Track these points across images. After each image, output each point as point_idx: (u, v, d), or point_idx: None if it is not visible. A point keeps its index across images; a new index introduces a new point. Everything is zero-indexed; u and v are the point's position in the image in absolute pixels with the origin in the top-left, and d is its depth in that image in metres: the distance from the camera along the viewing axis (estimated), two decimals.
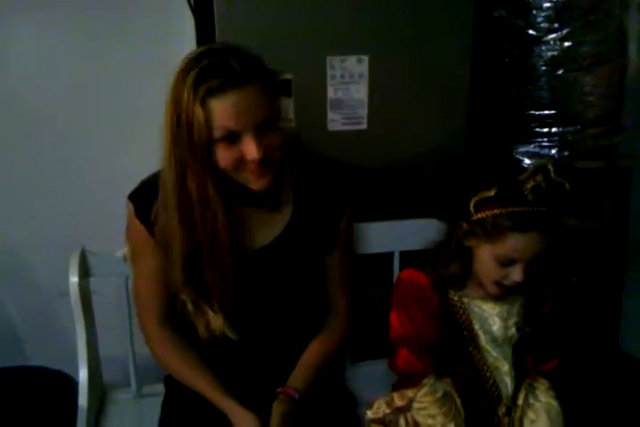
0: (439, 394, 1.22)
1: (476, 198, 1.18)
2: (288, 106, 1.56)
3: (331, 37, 1.55)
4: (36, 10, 1.68)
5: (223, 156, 1.11)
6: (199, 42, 1.63)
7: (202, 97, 1.06)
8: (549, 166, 1.14)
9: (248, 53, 1.13)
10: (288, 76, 1.55)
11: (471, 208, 1.19)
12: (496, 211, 1.16)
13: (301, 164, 1.30)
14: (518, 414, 1.25)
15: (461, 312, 1.26)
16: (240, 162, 1.12)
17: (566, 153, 1.83)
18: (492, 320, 1.25)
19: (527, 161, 1.85)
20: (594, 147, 1.84)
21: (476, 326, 1.25)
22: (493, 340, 1.25)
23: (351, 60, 1.57)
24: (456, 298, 1.27)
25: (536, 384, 1.26)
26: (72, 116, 1.74)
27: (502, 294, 1.23)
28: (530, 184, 1.13)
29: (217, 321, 1.21)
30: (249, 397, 1.22)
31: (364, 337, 1.50)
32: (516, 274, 1.17)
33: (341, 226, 1.32)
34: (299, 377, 1.27)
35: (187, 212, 1.14)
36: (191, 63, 1.09)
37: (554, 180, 1.14)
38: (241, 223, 1.23)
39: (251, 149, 1.10)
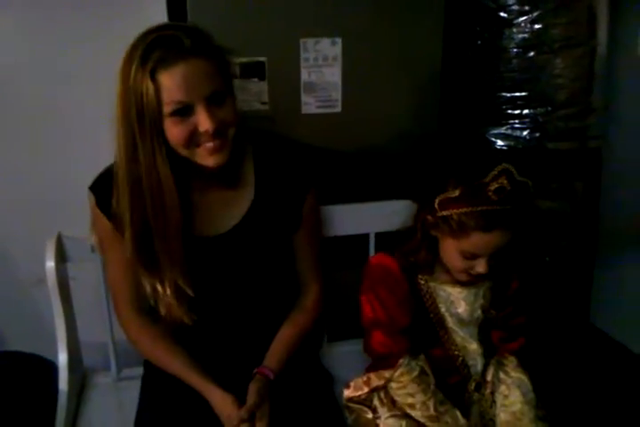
0: (415, 373, 1.25)
1: (441, 197, 1.20)
2: (262, 89, 1.57)
3: (304, 19, 1.56)
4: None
5: (175, 131, 1.11)
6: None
7: (150, 70, 1.06)
8: (511, 169, 1.16)
9: (198, 29, 1.14)
10: (262, 58, 1.55)
11: (436, 206, 1.21)
12: (460, 210, 1.17)
13: (265, 145, 1.30)
14: (488, 389, 1.28)
15: (428, 296, 1.28)
16: (193, 136, 1.12)
17: (537, 134, 1.85)
18: (457, 303, 1.27)
19: (500, 142, 1.87)
20: (564, 128, 1.86)
21: (442, 309, 1.28)
22: (460, 321, 1.28)
23: (325, 43, 1.57)
24: (423, 282, 1.29)
25: (505, 361, 1.30)
26: (45, 101, 1.73)
27: (471, 281, 1.26)
28: (493, 186, 1.15)
29: (174, 306, 1.22)
30: (226, 378, 1.24)
31: (341, 317, 1.52)
32: (479, 266, 1.19)
33: (305, 206, 1.32)
34: (273, 357, 1.29)
35: (137, 194, 1.14)
36: (140, 38, 1.09)
37: (517, 180, 1.16)
38: (202, 207, 1.24)
39: (202, 119, 1.10)
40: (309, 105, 1.61)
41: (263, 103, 1.57)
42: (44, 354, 1.66)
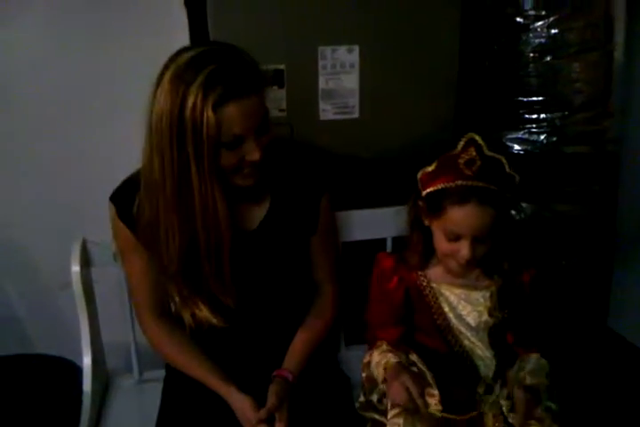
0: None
1: (420, 174, 1.23)
2: (281, 96, 1.59)
3: (322, 27, 1.58)
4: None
5: (227, 158, 1.14)
6: (192, 33, 1.64)
7: (213, 103, 1.07)
8: (478, 139, 1.17)
9: (250, 58, 1.15)
10: (281, 66, 1.57)
11: (419, 185, 1.24)
12: (435, 187, 1.19)
13: (281, 151, 1.32)
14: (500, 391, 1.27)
15: (430, 296, 1.28)
16: (239, 163, 1.16)
17: (555, 138, 1.85)
18: (461, 306, 1.27)
19: (517, 147, 1.88)
20: (582, 132, 1.86)
21: (446, 309, 1.28)
22: (467, 325, 1.27)
23: (342, 50, 1.59)
24: (425, 283, 1.29)
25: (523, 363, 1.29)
26: (73, 107, 1.76)
27: (463, 271, 1.25)
28: (463, 159, 1.16)
29: (204, 313, 1.25)
30: (246, 382, 1.26)
31: (358, 321, 1.53)
32: (463, 249, 1.18)
33: (321, 210, 1.34)
34: (292, 360, 1.31)
35: (186, 217, 1.17)
36: (195, 65, 1.09)
37: (487, 155, 1.17)
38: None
39: (252, 150, 1.15)
40: (327, 111, 1.63)
41: (281, 110, 1.60)
42: (68, 357, 1.70)
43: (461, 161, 1.17)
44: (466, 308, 1.27)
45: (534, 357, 1.28)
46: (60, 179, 1.81)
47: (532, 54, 1.80)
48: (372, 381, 1.30)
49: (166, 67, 1.11)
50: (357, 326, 1.52)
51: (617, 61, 1.83)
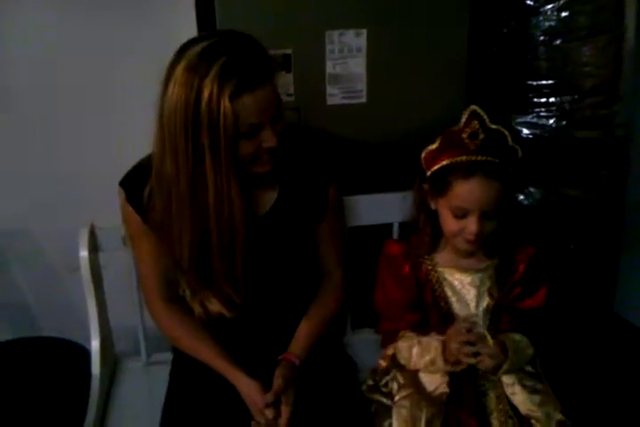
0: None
1: (424, 153, 1.24)
2: (288, 81, 1.59)
3: (329, 12, 1.57)
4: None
5: (245, 147, 1.14)
6: (199, 19, 1.63)
7: (229, 94, 1.07)
8: (480, 111, 1.18)
9: (260, 46, 1.14)
10: (288, 51, 1.56)
11: (423, 165, 1.24)
12: (442, 163, 1.20)
13: (290, 137, 1.30)
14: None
15: (434, 280, 1.29)
16: (257, 152, 1.16)
17: (564, 123, 1.84)
18: (465, 290, 1.28)
19: (526, 131, 1.87)
20: (592, 116, 1.85)
21: (449, 293, 1.28)
22: (468, 309, 1.28)
23: (349, 34, 1.58)
24: (430, 267, 1.30)
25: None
26: (83, 92, 1.76)
27: (473, 248, 1.24)
28: (466, 133, 1.17)
29: (214, 305, 1.26)
30: (254, 367, 1.27)
31: (365, 305, 1.54)
32: (471, 224, 1.18)
33: (329, 199, 1.34)
34: (298, 344, 1.32)
35: (199, 208, 1.16)
36: (208, 56, 1.08)
37: (490, 127, 1.18)
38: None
39: (269, 137, 1.15)
40: (334, 96, 1.63)
41: (289, 95, 1.59)
42: (76, 340, 1.72)
43: (465, 135, 1.18)
44: (470, 292, 1.28)
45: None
46: (68, 165, 1.82)
47: (541, 38, 1.79)
48: (388, 370, 1.32)
49: (176, 60, 1.10)
50: (364, 310, 1.53)
51: (627, 45, 1.82)
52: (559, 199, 1.90)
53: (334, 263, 1.41)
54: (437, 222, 1.27)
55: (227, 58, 1.08)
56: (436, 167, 1.22)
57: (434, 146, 1.23)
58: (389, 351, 1.34)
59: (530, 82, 1.83)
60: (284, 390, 1.22)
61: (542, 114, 1.85)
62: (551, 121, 1.85)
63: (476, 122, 1.18)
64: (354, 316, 1.62)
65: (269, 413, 1.20)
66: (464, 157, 1.17)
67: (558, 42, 1.78)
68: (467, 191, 1.17)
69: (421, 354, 1.25)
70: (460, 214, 1.20)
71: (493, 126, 1.19)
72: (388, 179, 1.67)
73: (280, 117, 1.17)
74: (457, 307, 1.28)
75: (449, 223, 1.23)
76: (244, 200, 1.18)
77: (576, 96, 1.82)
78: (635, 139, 1.96)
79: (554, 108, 1.84)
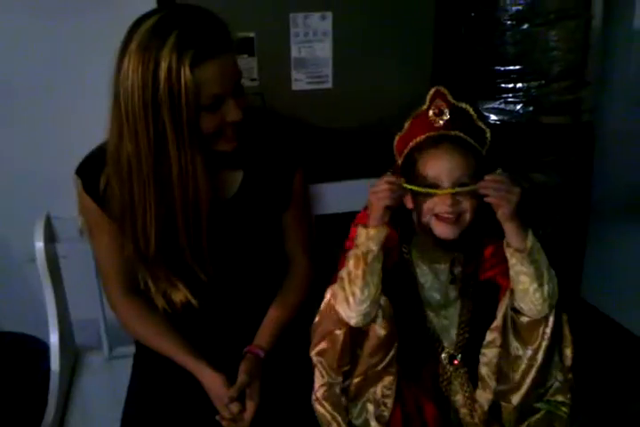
0: None
1: (395, 141, 1.23)
2: (252, 65, 1.55)
3: None
4: None
5: (208, 121, 1.11)
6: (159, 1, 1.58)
7: (189, 63, 1.04)
8: (444, 90, 1.18)
9: (218, 18, 1.12)
10: (250, 34, 1.53)
11: (396, 154, 1.22)
12: (410, 144, 1.18)
13: (254, 122, 1.28)
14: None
15: (409, 263, 1.25)
16: (220, 126, 1.13)
17: (531, 108, 1.84)
18: (434, 281, 1.24)
19: (493, 117, 1.86)
20: (559, 102, 1.85)
21: (421, 279, 1.25)
22: (435, 299, 1.25)
23: (315, 17, 1.55)
24: (405, 249, 1.25)
25: None
26: (37, 82, 1.70)
27: (450, 230, 1.16)
28: (432, 110, 1.17)
29: (179, 293, 1.24)
30: (218, 358, 1.25)
31: None
32: (444, 198, 1.13)
33: (294, 185, 1.33)
34: (263, 336, 1.30)
35: (164, 188, 1.13)
36: (162, 29, 1.05)
37: (455, 105, 1.17)
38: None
39: (232, 110, 1.12)
40: (300, 81, 1.60)
41: (252, 80, 1.56)
42: (35, 334, 1.68)
43: (431, 112, 1.17)
44: (435, 285, 1.25)
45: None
46: (24, 153, 1.76)
47: (508, 22, 1.77)
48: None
49: (129, 37, 1.07)
50: None
51: (594, 30, 1.81)
52: (528, 185, 1.90)
53: (301, 251, 1.39)
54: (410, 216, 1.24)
55: (181, 28, 1.05)
56: (406, 151, 1.20)
57: (402, 132, 1.22)
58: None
59: (497, 67, 1.82)
60: (249, 384, 1.20)
61: (510, 100, 1.84)
62: (518, 107, 1.84)
63: (440, 99, 1.17)
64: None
65: (234, 407, 1.18)
66: (431, 133, 1.16)
67: (525, 26, 1.76)
68: (434, 159, 1.14)
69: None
70: (432, 186, 1.14)
71: (459, 104, 1.18)
72: (355, 165, 1.65)
73: (242, 92, 1.15)
74: (425, 295, 1.26)
75: (422, 207, 1.16)
76: (209, 177, 1.15)
77: (543, 81, 1.82)
78: (600, 124, 1.97)
79: (521, 93, 1.83)
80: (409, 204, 1.21)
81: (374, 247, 1.11)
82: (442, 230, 1.17)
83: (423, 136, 1.17)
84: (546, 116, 1.85)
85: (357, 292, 1.12)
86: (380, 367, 1.19)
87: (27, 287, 1.81)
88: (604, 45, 1.90)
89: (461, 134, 1.16)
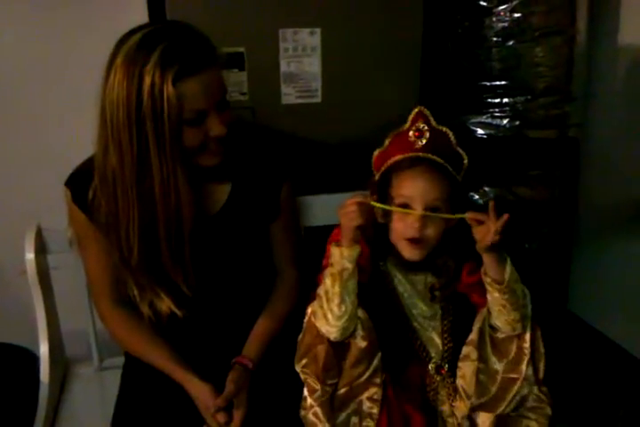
0: None
1: (374, 157, 1.25)
2: (242, 79, 1.57)
3: (283, 9, 1.56)
4: None
5: (190, 136, 1.13)
6: (151, 16, 1.60)
7: (172, 79, 1.06)
8: (425, 112, 1.19)
9: (202, 34, 1.14)
10: (240, 49, 1.55)
11: (373, 169, 1.24)
12: (390, 160, 1.20)
13: (242, 135, 1.31)
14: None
15: (386, 275, 1.27)
16: (204, 141, 1.15)
17: (517, 123, 1.86)
18: (412, 291, 1.26)
19: (480, 131, 1.88)
20: (545, 116, 1.87)
21: (400, 289, 1.26)
22: (418, 309, 1.26)
23: (304, 33, 1.57)
24: (381, 263, 1.27)
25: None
26: (28, 93, 1.72)
27: (416, 253, 1.19)
28: (413, 131, 1.18)
29: (164, 303, 1.24)
30: (207, 369, 1.25)
31: None
32: (413, 220, 1.15)
33: (282, 198, 1.35)
34: (252, 346, 1.31)
35: (147, 201, 1.15)
36: (146, 45, 1.07)
37: (436, 128, 1.19)
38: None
39: (216, 125, 1.14)
40: (289, 95, 1.62)
41: (243, 94, 1.58)
42: (25, 345, 1.68)
43: (411, 134, 1.19)
44: (414, 294, 1.27)
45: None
46: (14, 165, 1.77)
47: (494, 38, 1.80)
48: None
49: (115, 51, 1.09)
50: None
51: (579, 46, 1.84)
52: (514, 199, 1.92)
53: (288, 263, 1.41)
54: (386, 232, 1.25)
55: (166, 44, 1.07)
56: (383, 168, 1.22)
57: (382, 148, 1.24)
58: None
59: (483, 82, 1.84)
60: (237, 394, 1.21)
61: (496, 114, 1.86)
62: (505, 121, 1.86)
63: (422, 121, 1.19)
64: None
65: (221, 417, 1.19)
66: (409, 154, 1.18)
67: (511, 43, 1.79)
68: (409, 179, 1.17)
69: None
70: (403, 206, 1.17)
71: (438, 127, 1.20)
72: (344, 178, 1.66)
73: (226, 106, 1.16)
74: (408, 303, 1.27)
75: (394, 223, 1.19)
76: (192, 191, 1.17)
77: (529, 97, 1.84)
78: (586, 139, 1.99)
79: (507, 108, 1.85)
80: (379, 218, 1.23)
81: (349, 265, 1.13)
82: (409, 253, 1.21)
83: (401, 156, 1.19)
84: (532, 131, 1.88)
85: (335, 309, 1.14)
86: (363, 378, 1.20)
87: (17, 298, 1.81)
88: (589, 61, 1.92)
89: (439, 159, 1.18)
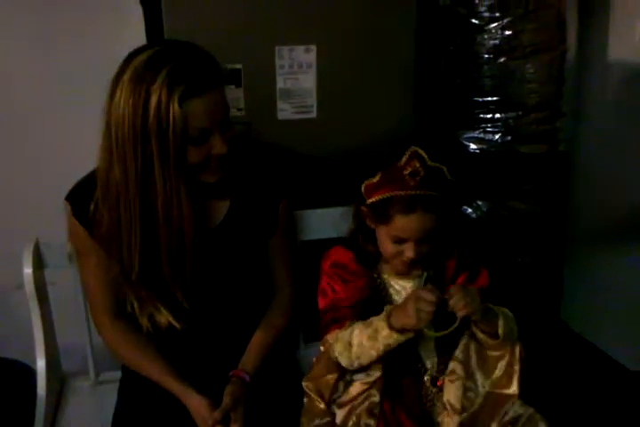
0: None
1: (365, 184, 1.26)
2: (239, 95, 1.59)
3: (279, 28, 1.58)
4: None
5: (194, 154, 1.14)
6: (148, 33, 1.63)
7: (178, 98, 1.07)
8: (421, 152, 1.21)
9: (208, 54, 1.16)
10: (237, 65, 1.57)
11: (364, 195, 1.26)
12: (381, 195, 1.22)
13: (240, 151, 1.32)
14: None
15: (382, 288, 1.30)
16: (206, 158, 1.16)
17: (509, 138, 1.89)
18: (403, 294, 1.29)
19: (473, 146, 1.91)
20: (536, 132, 1.90)
21: (395, 298, 1.29)
22: None
23: (299, 50, 1.60)
24: (375, 275, 1.31)
25: None
26: (28, 106, 1.74)
27: (405, 270, 1.28)
28: (407, 170, 1.20)
29: (163, 316, 1.25)
30: (204, 383, 1.26)
31: (317, 318, 1.54)
32: (408, 251, 1.23)
33: (280, 213, 1.36)
34: (249, 360, 1.31)
35: (149, 217, 1.16)
36: (154, 64, 1.09)
37: (430, 165, 1.21)
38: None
39: (219, 144, 1.15)
40: (285, 111, 1.64)
41: (239, 109, 1.60)
42: (22, 359, 1.67)
43: (406, 172, 1.20)
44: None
45: None
46: (14, 179, 1.78)
47: (486, 55, 1.83)
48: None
49: (122, 69, 1.11)
50: (316, 323, 1.53)
51: (569, 63, 1.87)
52: (507, 212, 1.94)
53: (285, 279, 1.42)
54: (374, 238, 1.29)
55: (174, 64, 1.09)
56: (376, 198, 1.24)
57: (374, 179, 1.25)
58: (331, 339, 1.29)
59: (476, 98, 1.87)
60: (234, 408, 1.21)
61: (488, 129, 1.89)
62: (497, 136, 1.89)
63: (417, 161, 1.21)
64: (306, 330, 1.61)
65: None
66: (405, 192, 1.20)
67: (503, 59, 1.82)
68: (406, 225, 1.21)
69: (364, 329, 1.22)
70: (399, 241, 1.23)
71: (432, 164, 1.22)
72: (339, 193, 1.68)
73: (229, 125, 1.18)
74: None
75: (387, 247, 1.26)
76: (193, 208, 1.18)
77: (520, 112, 1.87)
78: (576, 153, 2.02)
79: (499, 123, 1.88)
80: (370, 224, 1.27)
81: (394, 345, 1.19)
82: (398, 266, 1.28)
83: (398, 193, 1.20)
84: (523, 146, 1.90)
85: (364, 363, 1.22)
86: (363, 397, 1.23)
87: (14, 312, 1.82)
88: (579, 77, 1.96)
89: (433, 193, 1.21)
